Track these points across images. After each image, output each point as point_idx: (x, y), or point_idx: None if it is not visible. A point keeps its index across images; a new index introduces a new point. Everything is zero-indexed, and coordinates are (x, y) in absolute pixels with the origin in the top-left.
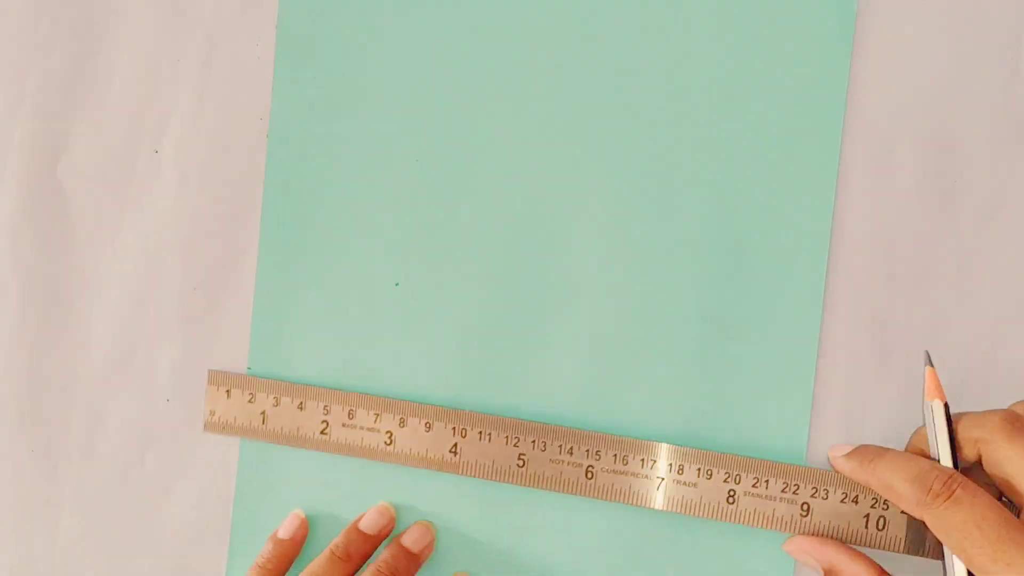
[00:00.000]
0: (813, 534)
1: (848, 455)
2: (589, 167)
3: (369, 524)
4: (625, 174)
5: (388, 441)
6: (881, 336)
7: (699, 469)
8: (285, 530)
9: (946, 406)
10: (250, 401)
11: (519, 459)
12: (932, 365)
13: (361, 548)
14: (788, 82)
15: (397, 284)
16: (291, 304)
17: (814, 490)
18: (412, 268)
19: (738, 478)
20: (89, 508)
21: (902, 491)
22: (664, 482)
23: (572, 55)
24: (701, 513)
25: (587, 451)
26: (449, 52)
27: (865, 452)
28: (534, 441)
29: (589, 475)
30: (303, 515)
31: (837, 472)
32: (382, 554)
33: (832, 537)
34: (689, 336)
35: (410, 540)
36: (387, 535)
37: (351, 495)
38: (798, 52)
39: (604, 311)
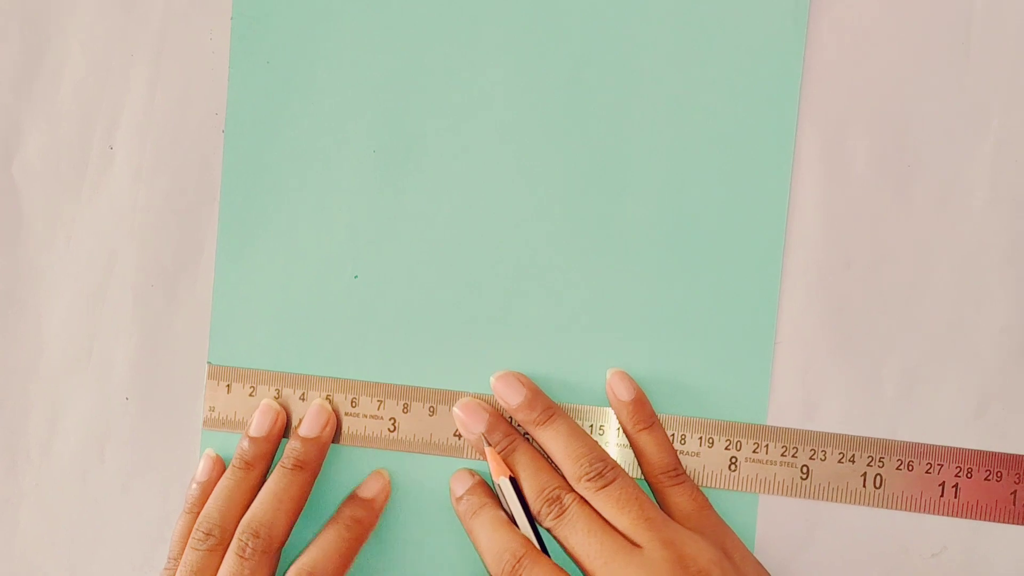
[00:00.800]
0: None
1: (461, 499)
2: (546, 152)
3: (257, 428)
4: (579, 162)
5: (392, 428)
6: (838, 320)
7: (701, 438)
8: (202, 473)
9: (513, 481)
10: (251, 395)
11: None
12: (490, 445)
13: (260, 452)
14: (742, 70)
15: (356, 276)
16: (250, 297)
17: (812, 452)
18: (371, 259)
19: (739, 444)
20: (49, 507)
21: (485, 562)
22: None
23: (527, 43)
24: (705, 482)
25: (590, 426)
26: (404, 41)
27: (471, 502)
28: None
29: None
30: (215, 454)
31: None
32: (285, 449)
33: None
34: (645, 328)
35: (307, 427)
36: (329, 436)
37: (321, 480)
38: (752, 40)
39: (561, 298)
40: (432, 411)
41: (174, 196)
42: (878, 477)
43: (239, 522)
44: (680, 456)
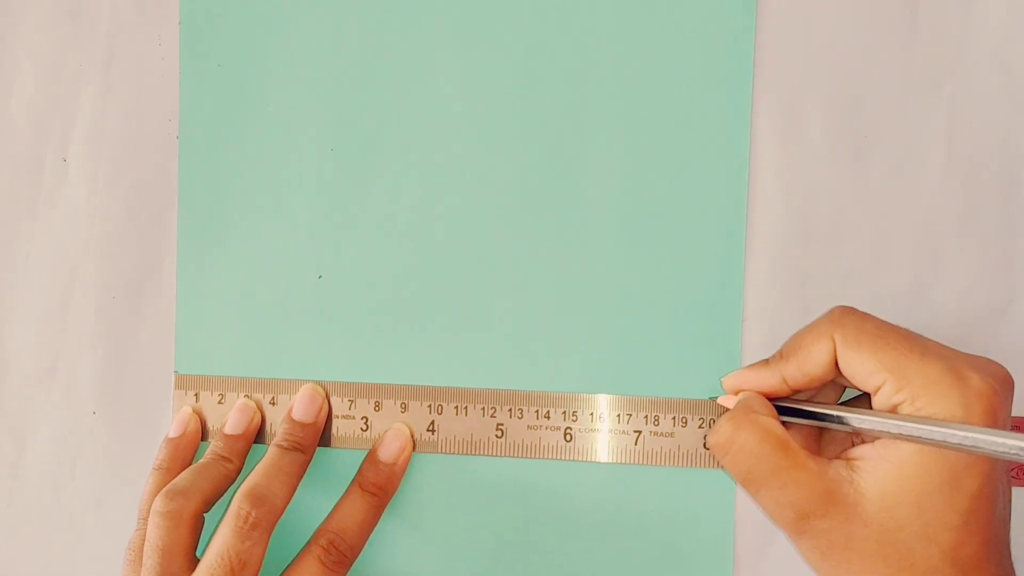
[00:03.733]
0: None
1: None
2: (503, 140)
3: (234, 425)
4: (537, 146)
5: (364, 427)
6: (802, 294)
7: (674, 418)
8: (175, 429)
9: None
10: (220, 402)
11: (497, 429)
12: None
13: (237, 448)
14: (694, 49)
15: (320, 277)
16: (214, 304)
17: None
18: (334, 258)
19: (712, 422)
20: (21, 526)
21: None
22: (641, 435)
23: (479, 35)
24: (680, 463)
25: (563, 412)
26: (356, 37)
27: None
28: (511, 409)
29: (568, 438)
30: (192, 411)
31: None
32: (279, 431)
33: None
34: (614, 311)
35: (301, 412)
36: (323, 421)
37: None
38: (704, 16)
39: (526, 285)
40: (404, 407)
41: (131, 206)
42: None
43: (210, 501)
44: (654, 437)
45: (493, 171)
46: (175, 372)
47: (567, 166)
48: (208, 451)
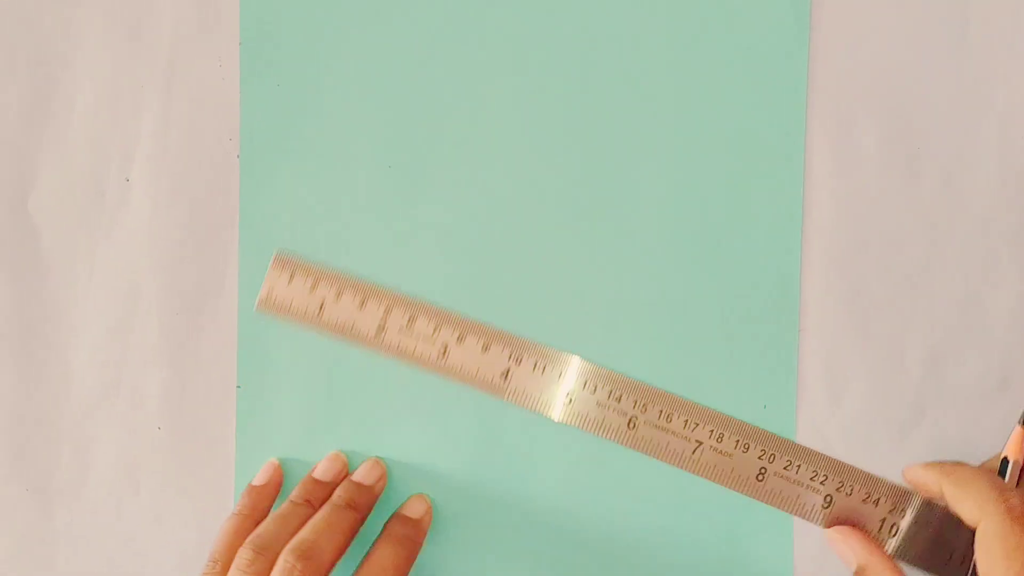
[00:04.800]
0: (840, 525)
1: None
2: (560, 155)
3: (323, 471)
4: (594, 159)
5: (442, 353)
6: (857, 303)
7: (738, 441)
8: (260, 478)
9: None
10: (312, 289)
11: (566, 397)
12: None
13: (319, 494)
14: (749, 58)
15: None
16: (276, 320)
17: (840, 484)
18: (390, 276)
19: (772, 457)
20: (85, 543)
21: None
22: (702, 447)
23: (532, 46)
24: (729, 484)
25: (634, 401)
26: (411, 54)
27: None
28: (585, 382)
29: (632, 426)
30: (277, 462)
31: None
32: (337, 489)
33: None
34: (669, 315)
35: (361, 474)
36: (341, 480)
37: None
38: (757, 29)
39: (584, 297)
40: (485, 348)
41: (193, 224)
42: (895, 527)
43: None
44: (712, 453)
45: (548, 186)
46: (237, 387)
47: (622, 179)
48: (293, 494)
